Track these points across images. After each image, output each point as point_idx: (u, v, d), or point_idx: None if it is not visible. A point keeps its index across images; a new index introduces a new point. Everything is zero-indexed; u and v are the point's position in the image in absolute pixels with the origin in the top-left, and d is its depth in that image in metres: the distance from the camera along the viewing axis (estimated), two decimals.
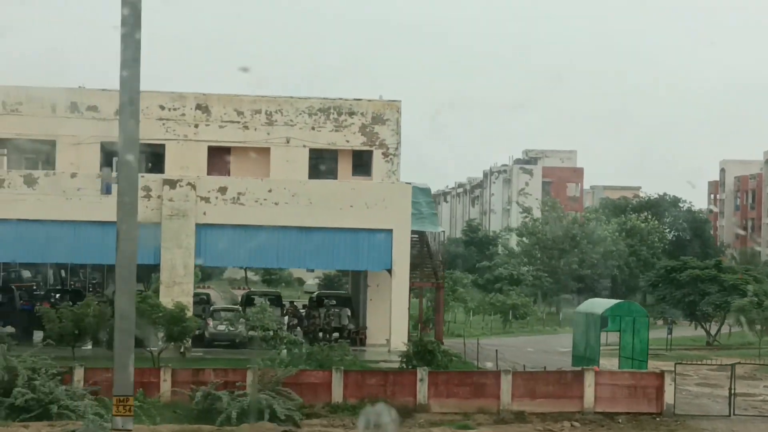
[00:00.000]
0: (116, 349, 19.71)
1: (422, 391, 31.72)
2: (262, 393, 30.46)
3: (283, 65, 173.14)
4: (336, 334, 44.01)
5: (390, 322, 42.04)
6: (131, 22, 16.47)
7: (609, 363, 39.80)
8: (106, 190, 34.12)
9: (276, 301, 50.01)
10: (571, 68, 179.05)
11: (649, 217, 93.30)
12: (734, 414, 32.76)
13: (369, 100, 45.78)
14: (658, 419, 32.02)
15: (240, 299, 52.79)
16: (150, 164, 44.69)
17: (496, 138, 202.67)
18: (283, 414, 29.64)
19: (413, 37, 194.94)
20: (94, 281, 66.02)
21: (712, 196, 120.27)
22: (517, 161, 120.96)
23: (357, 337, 44.50)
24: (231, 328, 41.53)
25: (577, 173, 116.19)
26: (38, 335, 39.78)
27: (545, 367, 37.30)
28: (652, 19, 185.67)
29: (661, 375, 33.54)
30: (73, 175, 41.25)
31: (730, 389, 33.91)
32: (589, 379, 32.57)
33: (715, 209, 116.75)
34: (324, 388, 31.78)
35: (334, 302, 47.59)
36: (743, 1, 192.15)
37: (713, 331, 63.20)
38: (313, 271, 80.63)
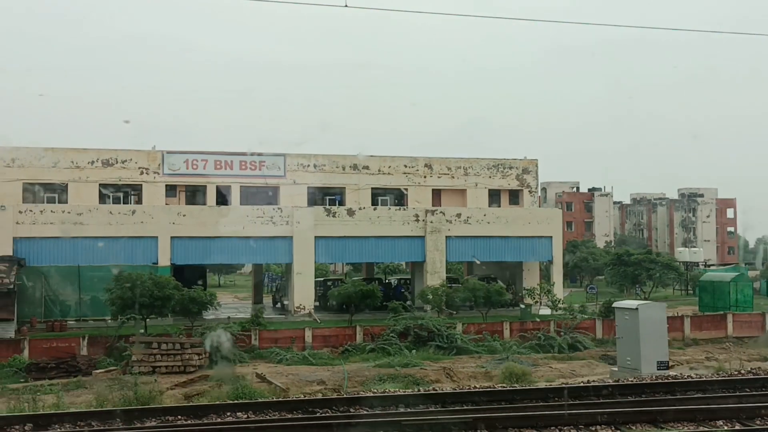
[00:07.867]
0: None
1: None
2: (568, 335, 34.13)
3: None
4: None
5: (552, 292, 44.87)
6: None
7: None
8: None
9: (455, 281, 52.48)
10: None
11: None
12: None
13: (520, 159, 49.70)
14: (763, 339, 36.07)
15: None
16: (396, 201, 47.76)
17: None
18: (587, 344, 33.19)
19: None
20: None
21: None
22: None
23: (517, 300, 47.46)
24: None
25: None
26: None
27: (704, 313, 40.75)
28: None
29: (762, 315, 37.83)
30: (375, 208, 43.94)
31: None
32: (729, 319, 37.04)
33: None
34: (591, 329, 35.10)
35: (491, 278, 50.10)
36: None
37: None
38: None
